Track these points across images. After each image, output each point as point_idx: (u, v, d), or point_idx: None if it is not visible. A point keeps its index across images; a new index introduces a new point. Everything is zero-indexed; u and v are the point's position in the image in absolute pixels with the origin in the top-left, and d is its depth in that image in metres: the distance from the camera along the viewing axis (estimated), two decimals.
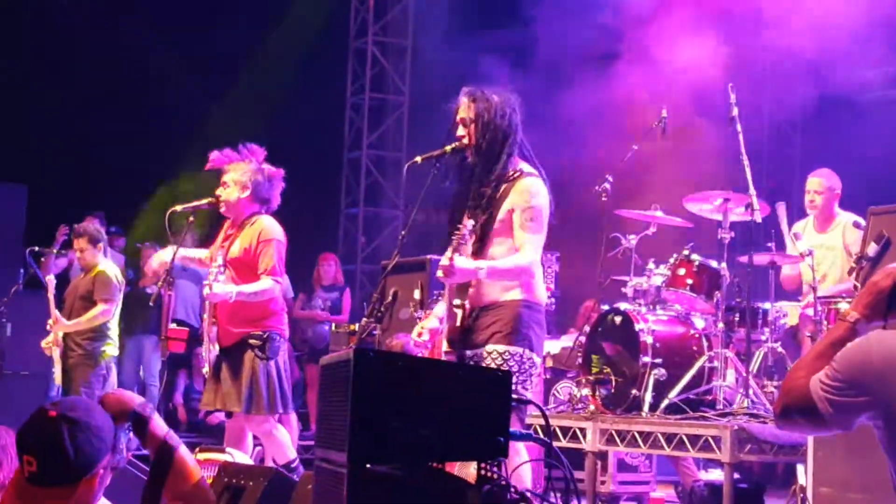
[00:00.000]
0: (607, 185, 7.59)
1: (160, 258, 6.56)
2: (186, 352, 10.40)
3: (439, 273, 4.74)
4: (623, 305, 7.22)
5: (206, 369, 6.29)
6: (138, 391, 9.81)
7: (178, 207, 6.48)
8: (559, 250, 8.21)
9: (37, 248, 8.93)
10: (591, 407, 6.85)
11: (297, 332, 11.15)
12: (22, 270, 9.34)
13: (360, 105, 14.03)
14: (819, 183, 7.65)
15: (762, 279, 7.24)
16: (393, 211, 14.02)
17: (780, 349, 7.03)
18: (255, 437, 6.63)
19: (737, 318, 6.98)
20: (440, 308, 5.09)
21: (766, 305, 7.04)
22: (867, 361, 2.58)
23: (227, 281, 6.19)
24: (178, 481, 2.92)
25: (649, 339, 6.84)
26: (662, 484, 8.07)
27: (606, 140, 9.12)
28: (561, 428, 6.80)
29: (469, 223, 4.75)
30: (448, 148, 4.91)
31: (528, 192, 4.81)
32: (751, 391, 6.48)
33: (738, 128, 6.84)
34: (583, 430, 6.70)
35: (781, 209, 7.51)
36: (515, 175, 4.86)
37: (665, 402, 6.65)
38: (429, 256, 8.28)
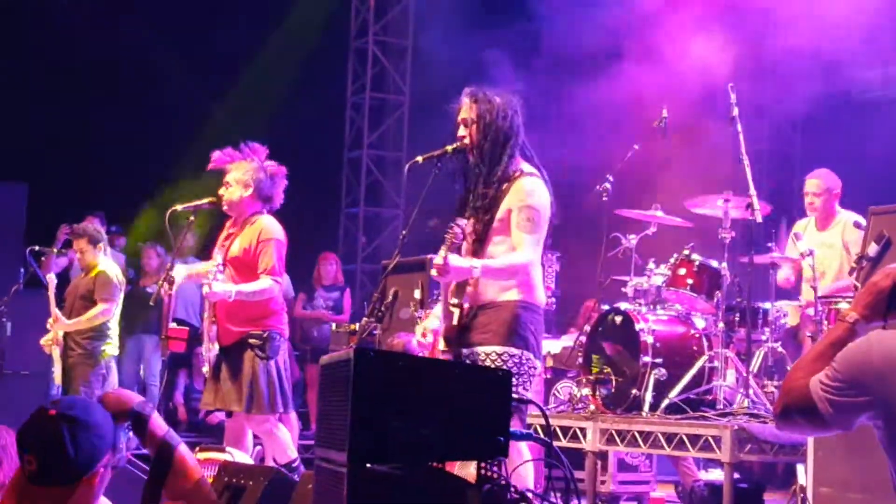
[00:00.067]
0: (608, 185, 7.60)
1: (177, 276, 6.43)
2: (187, 351, 10.39)
3: (433, 272, 4.74)
4: (623, 305, 7.22)
5: (206, 369, 6.29)
6: (138, 391, 9.81)
7: (179, 207, 6.48)
8: (560, 250, 8.21)
9: (37, 248, 8.92)
10: (592, 407, 6.85)
11: (299, 331, 11.16)
12: (22, 270, 9.35)
13: (361, 105, 14.03)
14: (817, 185, 7.65)
15: (762, 279, 7.24)
16: (393, 211, 14.02)
17: (780, 349, 7.03)
18: (255, 437, 6.63)
19: (737, 318, 6.98)
20: (440, 308, 5.09)
21: (767, 305, 7.04)
22: (867, 361, 2.58)
23: (226, 280, 6.19)
24: (178, 480, 2.92)
25: (650, 339, 6.84)
26: (662, 484, 8.06)
27: (608, 139, 9.12)
28: (561, 427, 6.80)
29: (463, 222, 4.76)
30: (449, 148, 4.92)
31: (526, 191, 4.82)
32: (751, 391, 6.48)
33: (739, 128, 6.84)
34: (583, 429, 6.70)
35: (783, 232, 7.45)
36: (516, 175, 4.87)
37: (665, 402, 6.65)
38: (429, 256, 8.26)
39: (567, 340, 8.40)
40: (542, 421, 3.82)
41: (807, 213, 7.76)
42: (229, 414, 6.33)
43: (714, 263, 7.01)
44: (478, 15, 11.89)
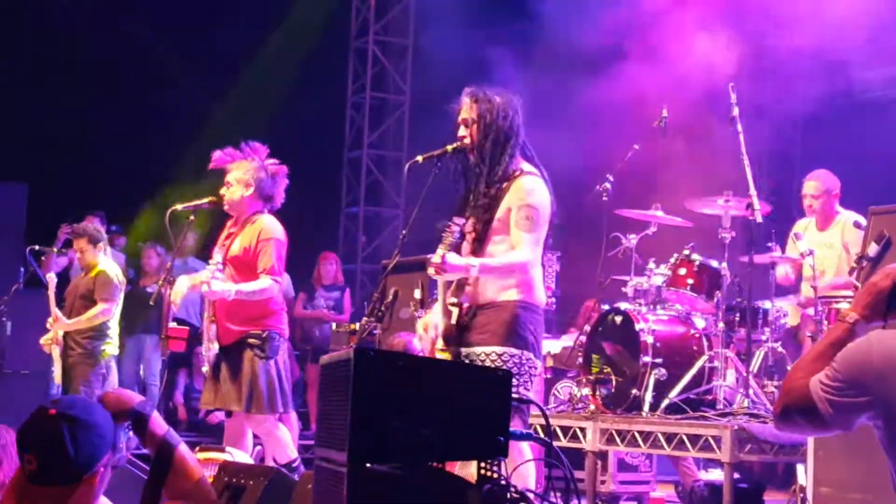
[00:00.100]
0: (608, 185, 7.59)
1: (178, 293, 6.41)
2: (187, 351, 10.40)
3: (430, 270, 4.75)
4: (623, 305, 7.22)
5: (206, 368, 6.29)
6: (139, 390, 9.81)
7: (179, 206, 6.48)
8: (560, 250, 8.21)
9: (37, 247, 8.92)
10: (592, 406, 6.85)
11: (300, 331, 11.16)
12: (22, 269, 9.34)
13: (361, 104, 14.03)
14: (815, 187, 7.64)
15: (763, 279, 7.24)
16: (393, 210, 14.02)
17: (780, 349, 7.03)
18: (255, 437, 6.63)
19: (737, 318, 6.98)
20: (439, 305, 5.09)
21: (767, 305, 7.04)
22: (867, 361, 2.58)
23: (226, 279, 6.19)
24: (178, 480, 2.92)
25: (650, 339, 6.84)
26: (662, 484, 8.06)
27: (608, 139, 9.11)
28: (561, 427, 6.80)
29: (460, 220, 4.76)
30: (449, 147, 4.92)
31: (525, 190, 4.82)
32: (751, 391, 6.48)
33: (739, 127, 6.84)
34: (583, 429, 6.70)
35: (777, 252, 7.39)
36: (515, 174, 4.87)
37: (665, 402, 6.65)
38: (429, 256, 8.26)
39: (567, 340, 8.41)
40: (543, 421, 3.82)
41: (806, 214, 7.76)
42: (229, 413, 6.33)
43: (714, 263, 7.01)
44: (478, 14, 11.89)
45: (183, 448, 2.96)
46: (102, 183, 11.71)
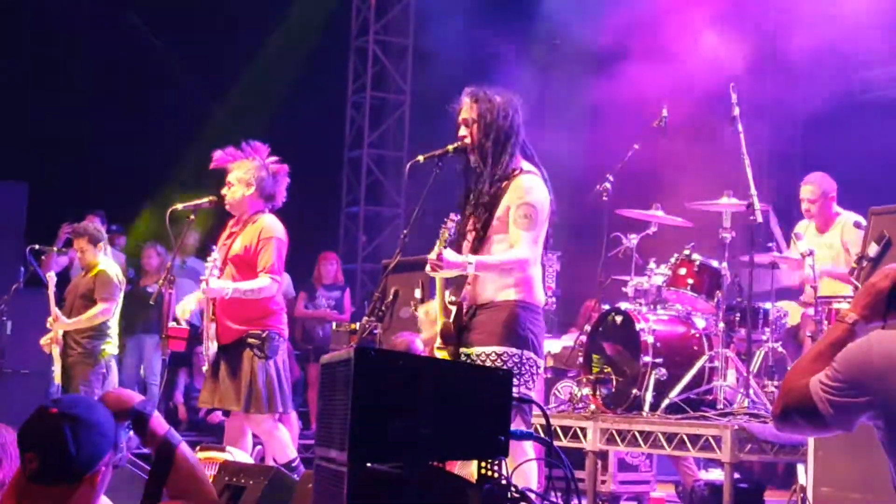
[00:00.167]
0: (608, 185, 7.59)
1: (187, 310, 6.42)
2: (187, 350, 10.39)
3: (427, 267, 4.75)
4: (624, 305, 7.22)
5: (206, 367, 6.29)
6: (139, 390, 9.82)
7: (179, 206, 6.49)
8: (560, 250, 8.21)
9: (37, 247, 8.92)
10: (592, 406, 6.85)
11: (301, 331, 11.16)
12: (22, 268, 9.34)
13: (362, 104, 14.02)
14: (811, 191, 7.62)
15: (763, 279, 7.23)
16: (394, 210, 14.02)
17: (780, 349, 7.03)
18: (255, 436, 6.63)
19: (737, 318, 6.97)
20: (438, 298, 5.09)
21: (767, 305, 7.04)
22: (867, 361, 2.58)
23: (227, 278, 6.19)
24: (179, 479, 2.92)
25: (650, 339, 6.84)
26: (663, 483, 8.06)
27: (609, 139, 9.11)
28: (562, 427, 6.80)
29: (456, 218, 4.77)
30: (450, 147, 4.93)
31: (524, 188, 4.83)
32: (751, 391, 6.48)
33: (739, 127, 6.84)
34: (583, 429, 6.70)
35: (773, 220, 7.40)
36: (515, 173, 4.88)
37: (666, 402, 6.65)
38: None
39: (567, 340, 8.41)
40: (543, 420, 3.82)
41: (805, 218, 7.75)
42: (227, 413, 6.33)
43: (714, 263, 7.01)
44: (479, 14, 11.89)
45: (184, 447, 2.96)
46: (102, 183, 11.71)
